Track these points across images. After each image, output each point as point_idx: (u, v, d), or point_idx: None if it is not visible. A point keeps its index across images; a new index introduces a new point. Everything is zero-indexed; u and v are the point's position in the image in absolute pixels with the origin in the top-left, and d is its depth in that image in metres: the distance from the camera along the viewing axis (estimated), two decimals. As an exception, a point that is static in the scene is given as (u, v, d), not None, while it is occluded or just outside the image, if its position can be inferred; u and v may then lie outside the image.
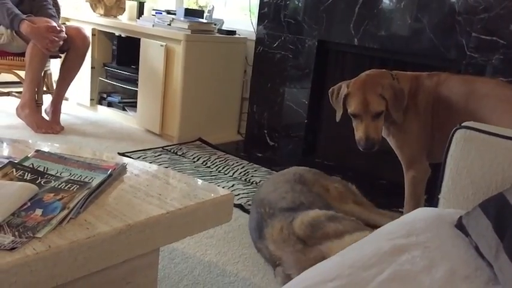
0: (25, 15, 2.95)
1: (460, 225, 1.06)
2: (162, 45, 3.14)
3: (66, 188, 1.02)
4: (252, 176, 2.69)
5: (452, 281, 0.87)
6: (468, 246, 1.01)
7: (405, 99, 1.86)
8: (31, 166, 1.11)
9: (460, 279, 0.88)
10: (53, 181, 1.05)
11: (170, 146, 3.10)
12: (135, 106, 3.45)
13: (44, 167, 1.11)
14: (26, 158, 1.15)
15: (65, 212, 0.93)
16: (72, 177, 1.08)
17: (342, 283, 0.82)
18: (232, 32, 3.39)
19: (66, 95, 3.42)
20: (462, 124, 1.22)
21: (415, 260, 0.92)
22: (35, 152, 1.19)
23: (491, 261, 0.92)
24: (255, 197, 1.97)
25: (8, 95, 3.45)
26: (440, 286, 0.84)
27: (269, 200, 1.83)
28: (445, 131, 1.32)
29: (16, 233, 0.84)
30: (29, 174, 1.07)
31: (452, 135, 1.22)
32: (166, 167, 2.65)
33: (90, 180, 1.07)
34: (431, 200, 1.35)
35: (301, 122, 3.01)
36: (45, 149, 1.26)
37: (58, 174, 1.09)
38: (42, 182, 1.04)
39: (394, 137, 1.94)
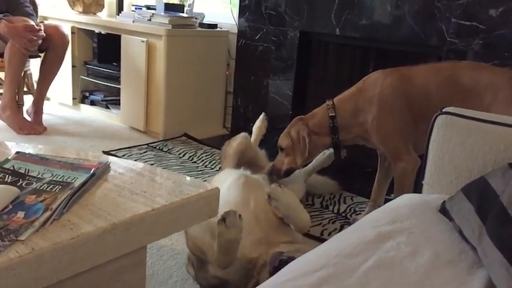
0: (1, 15, 2.89)
1: (443, 210, 1.08)
2: (143, 41, 3.11)
3: (48, 189, 1.01)
4: (238, 170, 2.69)
5: (437, 266, 0.88)
6: (452, 230, 1.02)
7: (306, 148, 1.98)
8: (12, 168, 1.09)
9: (444, 264, 0.89)
10: (34, 183, 1.04)
11: (155, 142, 3.08)
12: (119, 104, 3.42)
13: (25, 169, 1.10)
14: (6, 160, 1.13)
15: (48, 213, 0.91)
16: (54, 178, 1.06)
17: (328, 272, 0.83)
18: (214, 26, 3.37)
19: (48, 94, 3.38)
20: (443, 110, 1.23)
21: (400, 246, 0.93)
22: (16, 153, 1.17)
23: (475, 245, 0.94)
24: None
25: (-12, 97, 3.39)
26: (424, 271, 0.86)
27: None
28: (428, 120, 1.33)
29: (-2, 237, 0.83)
30: (10, 176, 1.05)
31: (434, 121, 1.24)
32: (152, 164, 2.64)
33: (73, 181, 1.05)
34: (416, 187, 1.36)
35: (286, 113, 3.01)
36: (26, 150, 1.25)
37: (40, 176, 1.07)
38: (23, 184, 1.03)
39: (373, 139, 1.95)
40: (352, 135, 2.00)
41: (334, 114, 1.97)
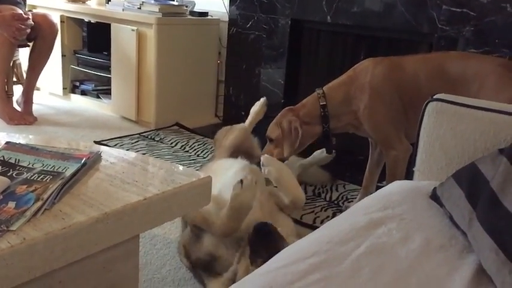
0: (-12, 4, 2.85)
1: (434, 196, 1.09)
2: (133, 30, 3.08)
3: (39, 179, 1.00)
4: (231, 158, 2.68)
5: (428, 251, 0.89)
6: (443, 216, 1.03)
7: (297, 139, 1.98)
8: (1, 158, 1.08)
9: (435, 249, 0.90)
10: (25, 173, 1.03)
11: (147, 132, 3.07)
12: (110, 93, 3.40)
13: (15, 159, 1.09)
14: (-4, 151, 1.12)
15: (39, 203, 0.91)
16: (45, 168, 1.05)
17: (320, 259, 0.84)
18: (205, 14, 3.34)
19: (38, 84, 3.35)
20: (434, 96, 1.24)
21: (392, 232, 0.93)
22: (5, 143, 1.16)
23: (465, 230, 0.95)
24: None
25: (-23, 87, 3.35)
26: (415, 256, 0.86)
27: None
28: (418, 109, 1.34)
29: (-11, 227, 0.83)
30: (0, 166, 1.05)
31: (425, 108, 1.24)
32: (144, 154, 2.63)
33: (64, 170, 1.05)
34: (407, 174, 1.37)
35: (278, 102, 3.01)
36: (16, 140, 1.23)
37: (30, 166, 1.06)
38: (14, 174, 1.02)
39: (365, 127, 1.96)
40: (343, 123, 2.00)
41: (325, 103, 1.97)
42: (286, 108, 2.08)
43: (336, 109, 1.98)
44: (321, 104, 1.97)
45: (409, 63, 1.91)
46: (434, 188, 1.10)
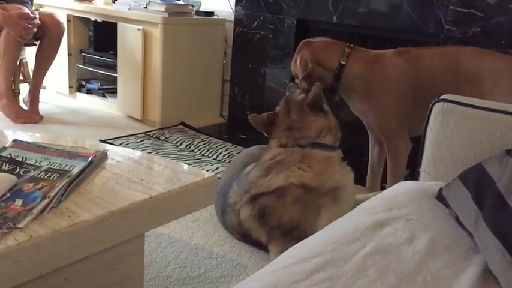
0: (-4, 3, 2.87)
1: (440, 197, 1.08)
2: (139, 29, 3.09)
3: (46, 177, 1.01)
4: (236, 158, 2.69)
5: (434, 252, 0.89)
6: (449, 217, 1.03)
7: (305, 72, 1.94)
8: (9, 156, 1.09)
9: (441, 250, 0.90)
10: (32, 171, 1.04)
11: (152, 131, 3.08)
12: (115, 92, 3.41)
13: (23, 157, 1.09)
14: (3, 149, 1.13)
15: (46, 201, 0.92)
16: (51, 166, 1.06)
17: (325, 259, 0.83)
18: (211, 13, 3.35)
19: (44, 83, 3.36)
20: (440, 97, 1.23)
21: (397, 232, 0.93)
22: (13, 142, 1.17)
23: (471, 231, 0.94)
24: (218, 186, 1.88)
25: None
26: (421, 257, 0.86)
27: (231, 187, 1.79)
28: (429, 104, 1.33)
29: (-4, 225, 0.83)
30: (7, 164, 1.05)
31: (431, 109, 1.24)
32: (149, 153, 2.63)
33: (71, 169, 1.05)
34: (413, 175, 1.37)
35: (283, 102, 3.00)
36: (23, 138, 1.24)
37: (37, 164, 1.07)
38: (21, 172, 1.02)
39: (371, 115, 1.96)
40: (351, 100, 1.99)
41: (345, 63, 1.92)
42: (304, 41, 2.05)
43: (350, 80, 1.94)
44: (341, 62, 1.92)
45: (427, 58, 1.90)
46: (441, 188, 1.10)
